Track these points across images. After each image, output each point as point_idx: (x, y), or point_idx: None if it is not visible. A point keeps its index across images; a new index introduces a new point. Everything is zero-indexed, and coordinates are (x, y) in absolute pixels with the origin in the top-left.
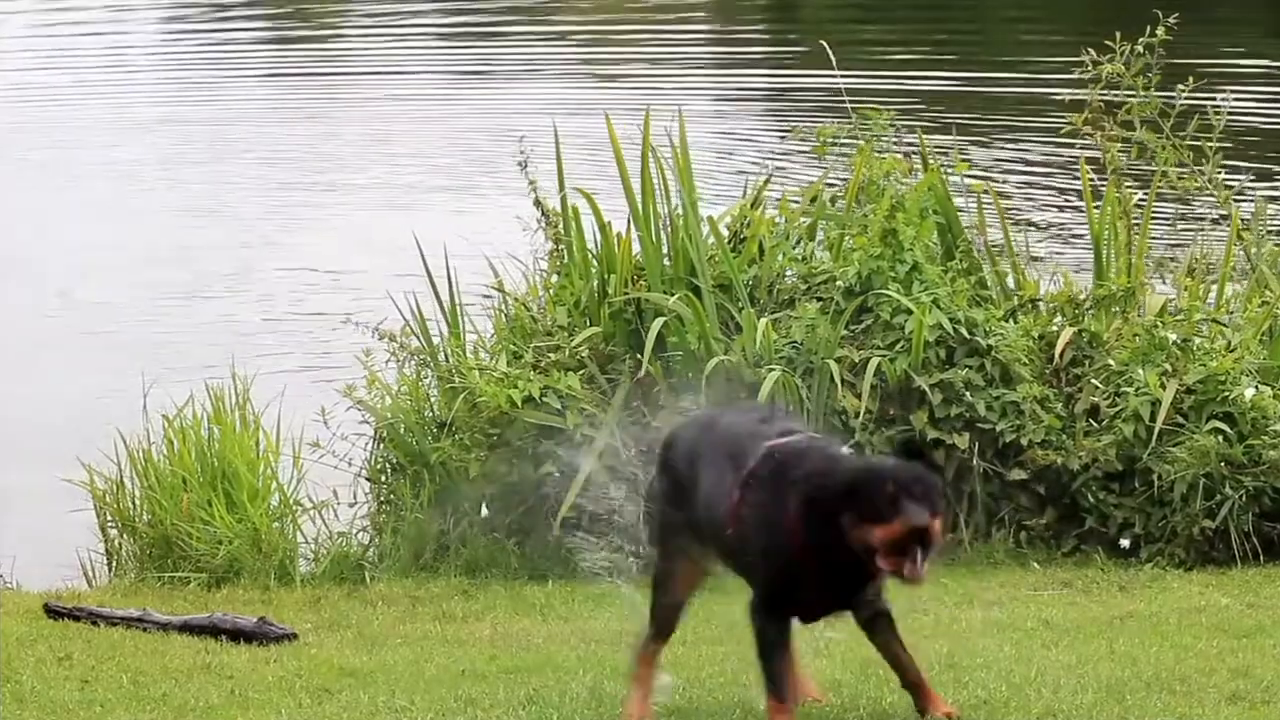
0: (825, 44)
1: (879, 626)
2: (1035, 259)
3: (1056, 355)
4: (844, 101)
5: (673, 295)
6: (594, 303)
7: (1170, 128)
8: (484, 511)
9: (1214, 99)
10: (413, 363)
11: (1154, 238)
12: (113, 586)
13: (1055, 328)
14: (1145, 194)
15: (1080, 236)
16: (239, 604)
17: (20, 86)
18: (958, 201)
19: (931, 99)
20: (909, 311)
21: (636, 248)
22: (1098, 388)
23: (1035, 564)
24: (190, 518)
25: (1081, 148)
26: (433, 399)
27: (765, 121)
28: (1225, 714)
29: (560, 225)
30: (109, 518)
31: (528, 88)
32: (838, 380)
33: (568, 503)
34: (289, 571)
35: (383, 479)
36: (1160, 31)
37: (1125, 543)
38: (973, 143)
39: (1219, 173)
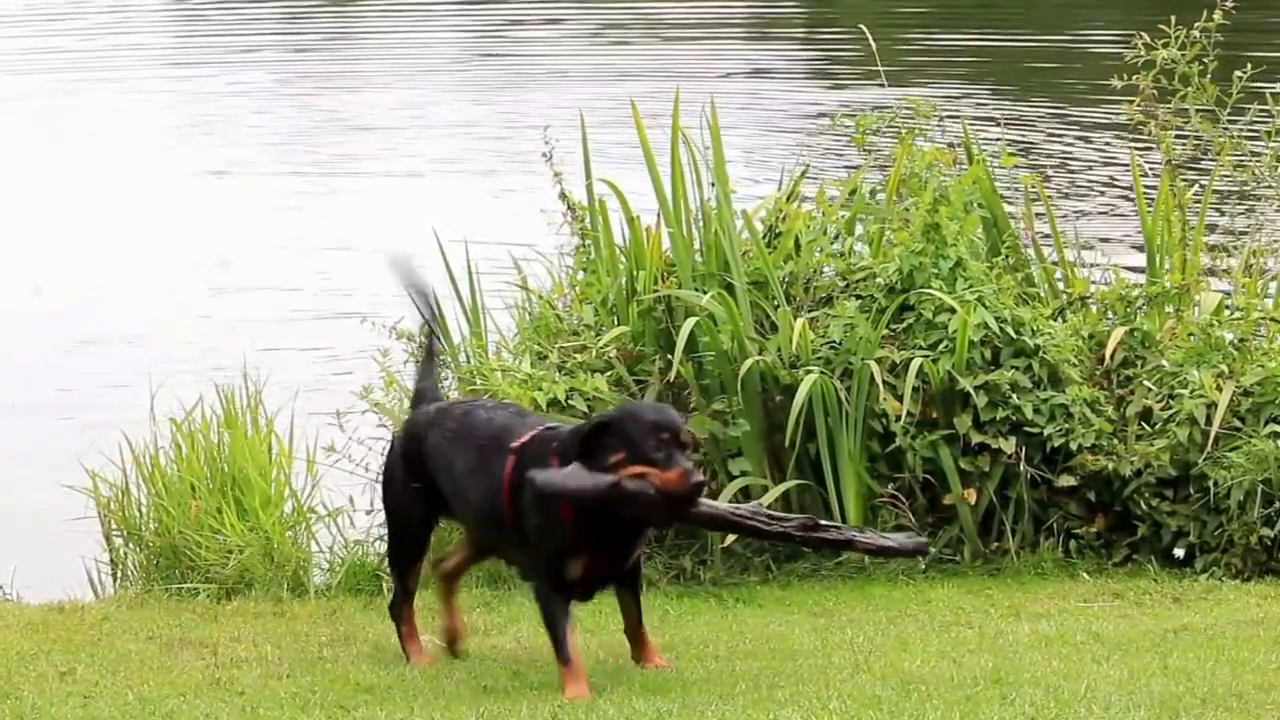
0: (864, 27)
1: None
2: (1085, 249)
3: (1107, 356)
4: (883, 71)
5: (705, 293)
6: (622, 301)
7: (1227, 114)
8: None
9: (1275, 86)
10: None
11: (1210, 231)
12: (118, 598)
13: (1106, 327)
14: (1201, 186)
15: (1120, 214)
16: (250, 616)
17: (21, 56)
18: (1003, 192)
19: (976, 67)
20: (953, 310)
21: (666, 242)
22: (1150, 390)
23: (1085, 574)
24: (199, 526)
25: (1133, 137)
26: None
27: (801, 93)
28: None
29: (586, 219)
30: (114, 526)
31: (551, 63)
32: (878, 382)
33: None
34: (303, 582)
35: None
36: (1217, 16)
37: (1179, 552)
38: (1018, 125)
39: (1278, 164)
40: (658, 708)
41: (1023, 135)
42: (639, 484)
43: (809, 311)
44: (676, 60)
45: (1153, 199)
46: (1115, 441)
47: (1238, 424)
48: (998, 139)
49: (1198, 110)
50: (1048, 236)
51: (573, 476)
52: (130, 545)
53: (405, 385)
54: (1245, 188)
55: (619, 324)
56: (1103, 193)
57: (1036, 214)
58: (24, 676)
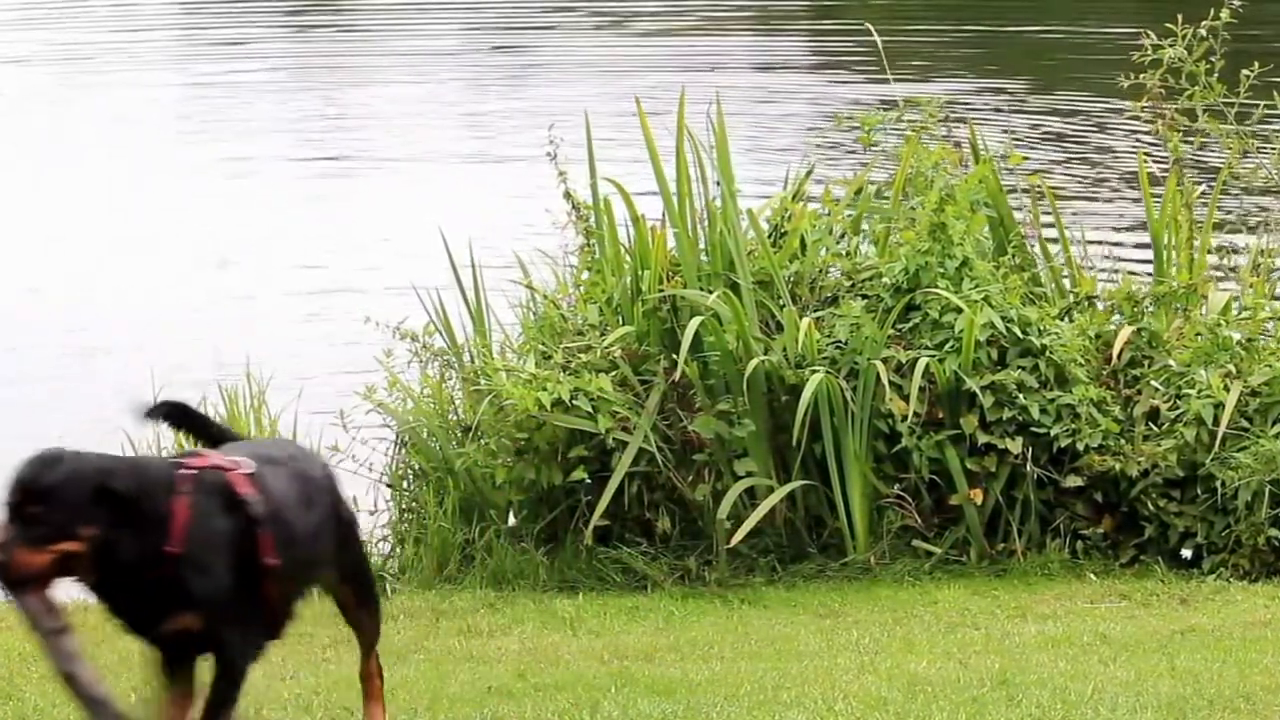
0: (870, 26)
1: None
2: (1092, 248)
3: (1114, 355)
4: (888, 66)
5: (710, 292)
6: (627, 300)
7: (1235, 114)
8: (511, 520)
9: None
10: (436, 363)
11: (1217, 230)
12: None
13: (1113, 326)
14: (1209, 185)
15: (1127, 213)
16: None
17: (21, 55)
18: (1009, 189)
19: (981, 61)
20: (959, 310)
21: (671, 242)
22: (1157, 390)
23: (1092, 575)
24: None
25: (1142, 134)
26: (457, 402)
27: (808, 89)
28: None
29: (591, 218)
30: None
31: (556, 58)
32: (884, 382)
33: (599, 510)
34: None
35: (404, 486)
36: (1224, 14)
37: (1187, 553)
38: (1024, 122)
39: None
40: (662, 709)
41: (1027, 131)
42: None
43: (814, 311)
44: (680, 55)
45: (1160, 197)
46: (1122, 442)
47: (1245, 424)
48: (1005, 135)
49: (1205, 108)
50: (1055, 240)
51: None
52: None
53: (408, 385)
54: (1258, 182)
55: (624, 324)
56: (1109, 191)
57: (1042, 211)
58: (26, 678)
